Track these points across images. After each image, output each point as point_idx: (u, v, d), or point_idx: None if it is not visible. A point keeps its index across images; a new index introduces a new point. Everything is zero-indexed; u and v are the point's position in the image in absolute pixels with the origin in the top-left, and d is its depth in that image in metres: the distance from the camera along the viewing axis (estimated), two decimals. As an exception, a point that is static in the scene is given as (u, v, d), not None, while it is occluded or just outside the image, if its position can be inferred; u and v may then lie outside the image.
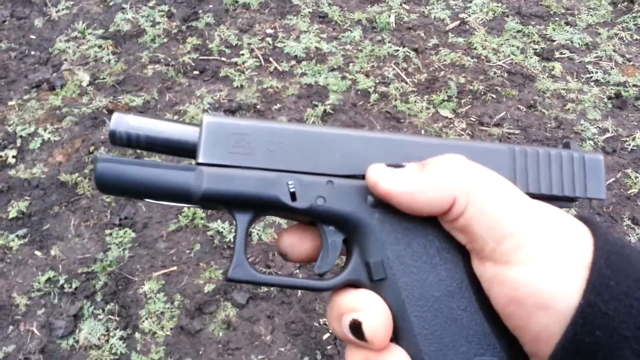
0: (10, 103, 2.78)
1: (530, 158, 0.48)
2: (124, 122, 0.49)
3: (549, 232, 0.40)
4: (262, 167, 0.48)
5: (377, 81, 2.93)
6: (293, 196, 0.47)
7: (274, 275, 0.50)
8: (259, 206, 0.48)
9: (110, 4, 3.36)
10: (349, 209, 0.47)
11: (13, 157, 2.48)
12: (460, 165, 0.43)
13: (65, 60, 2.99)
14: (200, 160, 0.48)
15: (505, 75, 3.01)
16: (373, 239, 0.46)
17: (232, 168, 0.47)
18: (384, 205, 0.46)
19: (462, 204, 0.41)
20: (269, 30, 3.25)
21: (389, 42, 3.18)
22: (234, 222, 0.48)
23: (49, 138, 2.56)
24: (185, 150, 0.49)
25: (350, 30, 3.26)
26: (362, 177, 0.47)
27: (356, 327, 0.43)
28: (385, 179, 0.44)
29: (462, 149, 0.48)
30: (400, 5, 3.48)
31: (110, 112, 2.68)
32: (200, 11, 3.34)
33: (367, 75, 2.96)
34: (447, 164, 0.43)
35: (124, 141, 0.49)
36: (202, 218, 2.28)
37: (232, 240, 2.21)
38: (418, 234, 0.46)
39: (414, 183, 0.43)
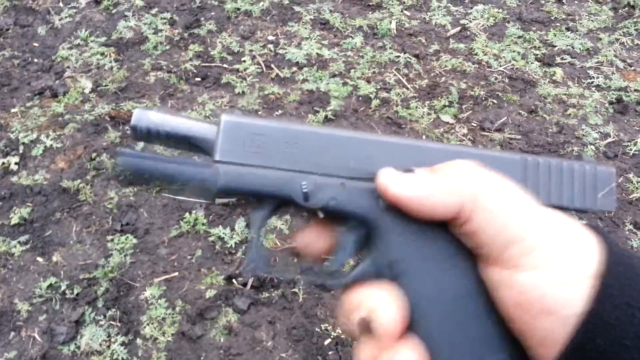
0: (13, 110, 2.79)
1: (542, 168, 0.49)
2: (145, 118, 0.51)
3: (557, 239, 0.40)
4: (277, 167, 0.49)
5: (378, 87, 2.94)
6: (306, 196, 0.48)
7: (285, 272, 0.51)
8: (272, 204, 0.49)
9: (113, 11, 3.38)
10: (360, 211, 0.48)
11: (15, 163, 2.49)
12: (468, 171, 0.43)
13: (68, 67, 3.01)
14: (216, 158, 0.49)
15: (507, 80, 3.02)
16: (384, 241, 0.47)
17: (248, 167, 0.49)
18: (395, 208, 0.46)
19: (469, 210, 0.42)
20: (270, 37, 3.27)
21: (390, 48, 3.19)
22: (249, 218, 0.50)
23: (51, 145, 2.57)
24: (203, 147, 0.51)
25: (351, 36, 3.28)
26: (374, 179, 0.48)
27: (365, 324, 0.44)
28: (394, 184, 0.44)
29: (474, 156, 0.48)
30: (401, 11, 3.49)
31: (113, 119, 2.69)
32: (202, 18, 3.36)
33: (368, 81, 2.97)
34: (456, 170, 0.44)
35: (144, 136, 0.51)
36: (203, 224, 2.28)
37: (233, 246, 2.21)
38: (429, 238, 0.46)
39: (422, 188, 0.43)
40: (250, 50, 3.15)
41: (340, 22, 3.37)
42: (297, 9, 3.46)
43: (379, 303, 0.45)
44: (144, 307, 2.04)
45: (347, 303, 0.47)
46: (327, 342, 1.97)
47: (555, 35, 3.35)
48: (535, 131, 2.73)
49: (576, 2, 3.69)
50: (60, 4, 3.48)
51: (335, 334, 1.98)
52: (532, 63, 3.13)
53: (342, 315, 0.47)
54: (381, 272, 0.47)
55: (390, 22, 3.38)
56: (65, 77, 2.97)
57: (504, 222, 0.41)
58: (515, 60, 3.14)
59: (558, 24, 3.46)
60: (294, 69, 3.05)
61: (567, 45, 3.28)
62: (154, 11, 3.37)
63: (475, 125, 2.76)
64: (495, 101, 2.89)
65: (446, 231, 0.46)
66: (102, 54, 3.07)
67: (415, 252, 0.46)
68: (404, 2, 3.57)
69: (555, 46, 3.27)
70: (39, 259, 2.18)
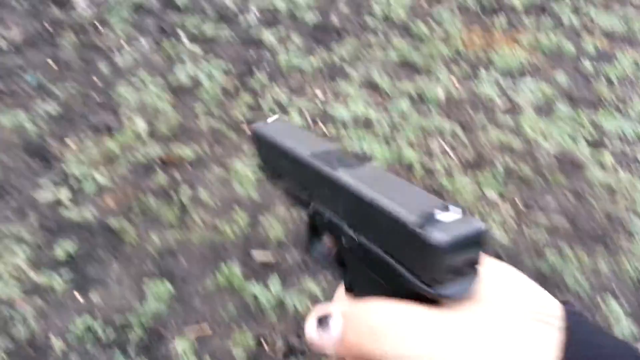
0: (68, 142, 2.91)
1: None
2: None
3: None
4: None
5: (422, 153, 2.95)
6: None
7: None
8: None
9: (172, 55, 3.53)
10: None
11: (66, 197, 2.58)
12: None
13: (125, 106, 3.14)
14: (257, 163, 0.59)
15: (554, 160, 2.99)
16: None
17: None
18: None
19: None
20: (319, 93, 3.34)
21: (436, 115, 3.22)
22: None
23: (102, 181, 2.65)
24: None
25: (398, 99, 3.32)
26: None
27: None
28: None
29: None
30: (450, 79, 3.54)
31: (164, 162, 2.77)
32: (255, 69, 3.48)
33: (413, 147, 2.99)
34: None
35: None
36: (238, 278, 2.29)
37: (267, 306, 2.21)
38: None
39: None
40: (299, 105, 3.22)
41: (388, 85, 3.43)
42: (347, 68, 3.54)
43: None
44: (173, 359, 2.03)
45: None
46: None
47: (604, 118, 3.32)
48: (582, 217, 2.68)
49: (628, 84, 3.67)
50: (123, 42, 3.66)
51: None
52: (580, 144, 3.10)
53: None
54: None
55: (438, 89, 3.42)
56: (121, 115, 3.08)
57: None
58: (563, 139, 3.12)
59: (608, 106, 3.44)
60: (339, 126, 3.10)
61: (616, 129, 3.25)
62: (210, 59, 3.51)
63: (519, 204, 2.73)
64: (541, 181, 2.86)
65: None
66: (159, 96, 3.19)
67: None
68: (453, 71, 3.62)
69: (605, 129, 3.25)
70: (78, 296, 2.22)
